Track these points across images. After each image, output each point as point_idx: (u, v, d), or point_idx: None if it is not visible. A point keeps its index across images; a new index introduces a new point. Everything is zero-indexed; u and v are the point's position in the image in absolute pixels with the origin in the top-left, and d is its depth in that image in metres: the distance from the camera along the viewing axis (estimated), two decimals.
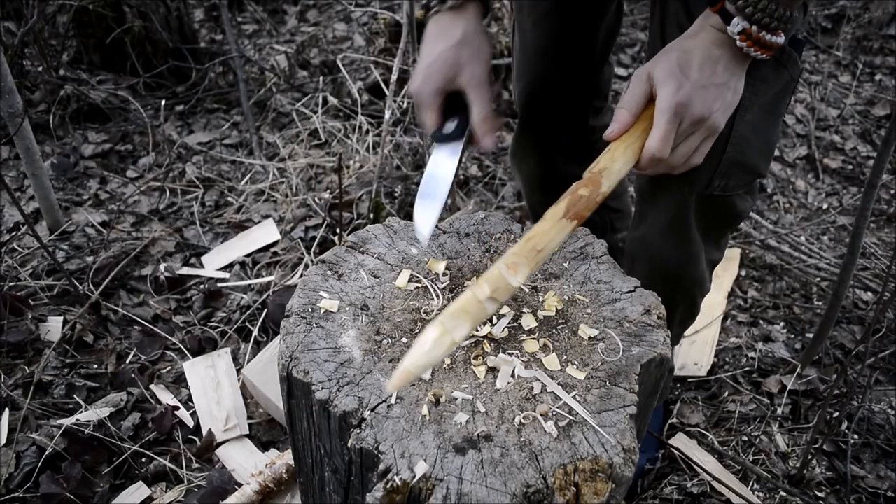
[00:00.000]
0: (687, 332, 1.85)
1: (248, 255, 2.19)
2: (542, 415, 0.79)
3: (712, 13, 0.92)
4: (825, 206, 2.58)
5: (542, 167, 1.56)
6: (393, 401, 0.80)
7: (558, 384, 0.83)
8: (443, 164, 1.00)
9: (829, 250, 2.33)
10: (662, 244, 1.28)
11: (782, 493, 1.60)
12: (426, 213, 0.96)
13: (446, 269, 0.99)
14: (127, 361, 1.84)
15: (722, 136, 1.04)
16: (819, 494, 1.61)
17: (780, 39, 0.92)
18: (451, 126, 1.02)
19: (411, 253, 1.03)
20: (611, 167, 0.89)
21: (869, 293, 2.15)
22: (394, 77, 2.15)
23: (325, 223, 2.27)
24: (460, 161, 1.01)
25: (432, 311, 0.93)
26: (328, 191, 2.43)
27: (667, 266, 1.30)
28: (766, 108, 1.10)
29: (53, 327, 1.89)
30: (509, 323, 0.91)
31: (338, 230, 2.17)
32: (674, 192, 1.20)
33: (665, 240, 1.28)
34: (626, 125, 0.94)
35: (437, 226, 1.07)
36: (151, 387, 1.78)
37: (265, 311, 1.96)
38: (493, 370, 0.85)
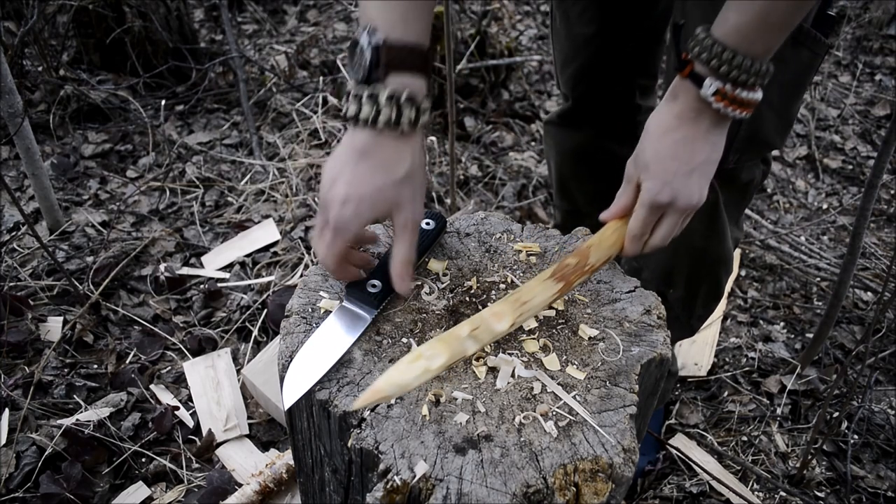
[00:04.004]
0: None
1: (248, 255, 2.19)
2: (542, 415, 0.79)
3: (683, 79, 0.88)
4: (825, 206, 2.58)
5: (581, 139, 1.55)
6: (393, 401, 0.80)
7: (558, 384, 0.83)
8: (341, 334, 0.87)
9: (829, 250, 2.33)
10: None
11: (782, 493, 1.60)
12: (299, 380, 0.82)
13: (446, 269, 0.99)
14: (127, 361, 1.84)
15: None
16: (819, 494, 1.61)
17: (758, 95, 0.87)
18: (375, 286, 0.90)
19: None
20: (600, 244, 0.94)
21: (869, 293, 2.15)
22: None
23: None
24: (359, 339, 0.87)
25: (432, 311, 0.93)
26: None
27: (692, 238, 1.26)
28: (785, 87, 1.07)
29: (53, 327, 1.89)
30: None
31: None
32: None
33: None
34: (616, 215, 0.97)
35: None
36: (151, 387, 1.78)
37: (265, 311, 1.96)
38: (493, 370, 0.85)
